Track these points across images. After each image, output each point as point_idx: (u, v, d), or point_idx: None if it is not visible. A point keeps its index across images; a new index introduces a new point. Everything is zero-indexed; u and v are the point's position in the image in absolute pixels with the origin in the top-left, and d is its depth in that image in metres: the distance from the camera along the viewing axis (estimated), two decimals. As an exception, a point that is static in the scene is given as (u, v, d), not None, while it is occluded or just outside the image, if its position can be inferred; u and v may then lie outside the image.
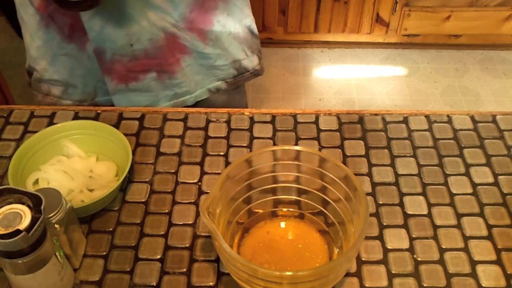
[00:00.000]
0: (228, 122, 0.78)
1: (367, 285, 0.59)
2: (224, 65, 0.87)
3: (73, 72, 0.85)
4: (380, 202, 0.67)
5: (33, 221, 0.46)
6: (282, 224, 0.63)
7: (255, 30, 0.90)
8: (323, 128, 0.77)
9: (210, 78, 0.88)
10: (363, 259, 0.61)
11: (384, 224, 0.65)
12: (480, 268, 0.60)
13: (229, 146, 0.74)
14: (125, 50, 0.79)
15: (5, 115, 0.79)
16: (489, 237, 0.63)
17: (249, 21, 0.88)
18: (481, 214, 0.65)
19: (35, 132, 0.69)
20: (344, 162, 0.72)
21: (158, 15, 0.77)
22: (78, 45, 0.81)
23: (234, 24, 0.85)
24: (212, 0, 0.80)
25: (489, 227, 0.64)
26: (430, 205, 0.66)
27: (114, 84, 0.83)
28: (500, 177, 0.70)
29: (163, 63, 0.83)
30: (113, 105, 0.86)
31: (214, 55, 0.85)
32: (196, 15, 0.80)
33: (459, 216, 0.65)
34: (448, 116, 0.78)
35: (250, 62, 0.90)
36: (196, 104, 0.90)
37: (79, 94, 0.87)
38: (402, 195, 0.68)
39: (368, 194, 0.68)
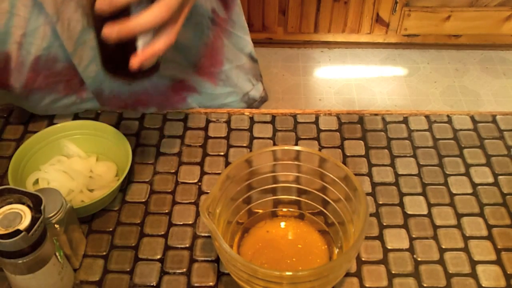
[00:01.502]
0: (228, 122, 0.78)
1: (367, 285, 0.59)
2: (234, 101, 0.85)
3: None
4: (380, 202, 0.67)
5: (33, 221, 0.46)
6: (282, 224, 0.63)
7: (254, 55, 0.87)
8: (323, 128, 0.77)
9: None
10: (363, 259, 0.61)
11: (384, 224, 0.65)
12: (480, 268, 0.60)
13: (229, 146, 0.74)
14: (123, 87, 0.77)
15: (5, 115, 0.79)
16: (489, 237, 0.63)
17: (250, 47, 0.85)
18: (481, 214, 0.65)
19: (35, 132, 0.69)
20: (344, 162, 0.72)
21: (166, 65, 0.74)
22: (77, 95, 0.77)
23: (239, 55, 0.83)
24: (219, 39, 0.78)
25: (489, 227, 0.64)
26: (430, 205, 0.66)
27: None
28: (500, 177, 0.70)
29: (165, 102, 0.80)
30: None
31: (225, 94, 0.83)
32: (206, 60, 0.78)
33: (459, 216, 0.65)
34: (448, 116, 0.78)
35: (257, 91, 0.88)
36: None
37: None
38: (402, 195, 0.68)
39: (368, 194, 0.68)
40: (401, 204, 0.67)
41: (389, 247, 0.62)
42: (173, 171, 0.71)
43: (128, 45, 0.52)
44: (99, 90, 0.76)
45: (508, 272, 0.60)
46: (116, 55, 0.54)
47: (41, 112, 0.78)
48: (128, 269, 0.60)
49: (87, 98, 0.77)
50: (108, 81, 0.75)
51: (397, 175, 0.70)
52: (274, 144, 0.74)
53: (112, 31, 0.50)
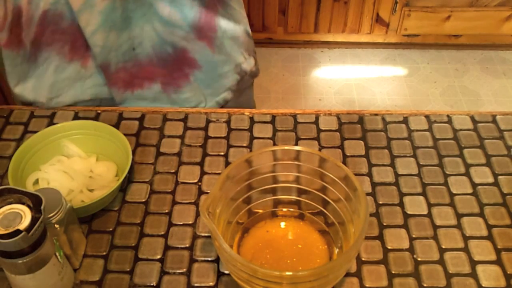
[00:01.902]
0: (228, 122, 0.78)
1: (367, 285, 0.59)
2: (229, 71, 0.86)
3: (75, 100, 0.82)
4: (380, 202, 0.67)
5: (33, 221, 0.46)
6: (282, 224, 0.63)
7: (250, 31, 0.90)
8: (323, 128, 0.77)
9: (218, 90, 0.87)
10: (363, 259, 0.61)
11: (384, 224, 0.65)
12: (480, 268, 0.60)
13: (229, 146, 0.74)
14: (128, 55, 0.78)
15: (5, 115, 0.79)
16: (489, 237, 0.63)
17: (245, 22, 0.88)
18: (481, 214, 0.66)
19: (35, 132, 0.69)
20: (344, 162, 0.72)
21: (167, 29, 0.76)
22: (82, 62, 0.78)
23: (234, 27, 0.84)
24: (213, 5, 0.80)
25: (489, 227, 0.64)
26: (430, 205, 0.66)
27: (120, 93, 0.82)
28: (500, 177, 0.70)
29: (168, 75, 0.82)
30: None
31: (221, 62, 0.84)
32: (204, 22, 0.79)
33: (459, 216, 0.65)
34: (448, 116, 0.78)
35: (248, 64, 0.90)
36: None
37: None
38: (402, 195, 0.68)
39: (368, 194, 0.68)
40: (401, 204, 0.67)
41: (389, 247, 0.62)
42: (173, 171, 0.71)
43: None
44: (106, 62, 0.77)
45: (508, 272, 0.60)
46: None
47: (46, 90, 0.78)
48: (128, 269, 0.60)
49: (91, 67, 0.78)
50: (115, 51, 0.76)
51: (397, 175, 0.70)
52: (274, 144, 0.75)
53: None
